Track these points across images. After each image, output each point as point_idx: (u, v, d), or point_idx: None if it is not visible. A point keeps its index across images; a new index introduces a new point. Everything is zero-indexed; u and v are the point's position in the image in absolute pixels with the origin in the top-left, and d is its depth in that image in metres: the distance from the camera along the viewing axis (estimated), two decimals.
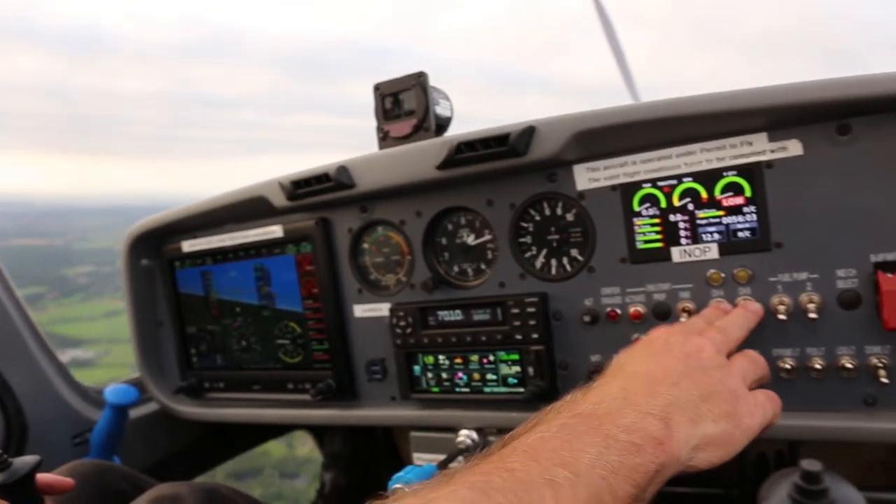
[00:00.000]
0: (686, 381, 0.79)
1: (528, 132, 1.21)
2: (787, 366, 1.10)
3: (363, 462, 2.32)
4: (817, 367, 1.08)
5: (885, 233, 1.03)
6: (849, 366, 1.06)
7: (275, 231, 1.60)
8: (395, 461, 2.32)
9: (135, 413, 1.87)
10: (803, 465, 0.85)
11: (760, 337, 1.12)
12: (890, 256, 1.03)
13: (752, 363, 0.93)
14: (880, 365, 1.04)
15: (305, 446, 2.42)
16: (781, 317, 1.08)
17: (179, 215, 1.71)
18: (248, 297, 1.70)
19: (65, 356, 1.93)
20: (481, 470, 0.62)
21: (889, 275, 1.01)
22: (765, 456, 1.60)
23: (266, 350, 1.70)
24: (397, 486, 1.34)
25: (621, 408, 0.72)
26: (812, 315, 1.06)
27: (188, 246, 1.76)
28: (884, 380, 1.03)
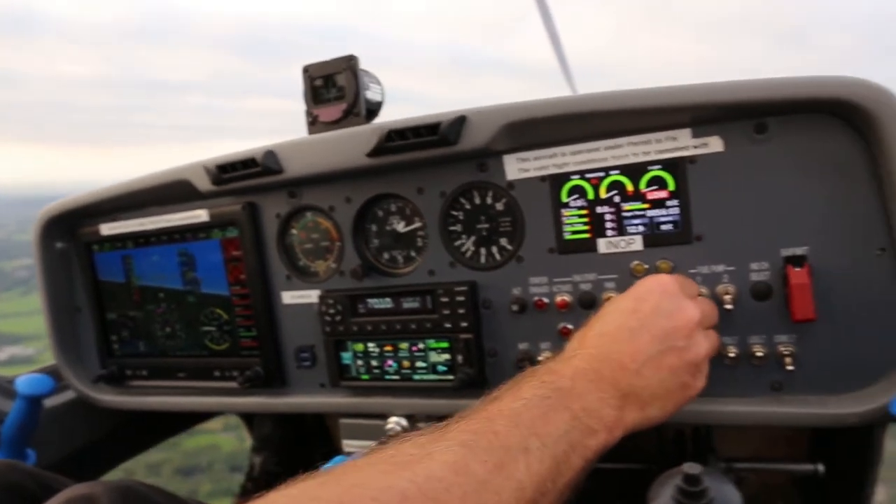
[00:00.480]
0: (649, 368, 0.86)
1: (459, 121, 1.20)
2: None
3: (293, 445, 2.30)
4: (731, 355, 1.13)
5: (795, 228, 1.08)
6: (759, 354, 1.11)
7: (200, 215, 1.54)
8: (325, 444, 2.32)
9: (50, 403, 1.79)
10: (685, 468, 0.93)
11: None
12: (798, 251, 1.08)
13: (713, 314, 1.02)
14: (786, 353, 1.10)
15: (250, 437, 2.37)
16: None
17: (97, 197, 1.63)
18: (171, 283, 1.64)
19: (2, 353, 1.82)
20: (471, 428, 0.74)
21: (797, 269, 1.06)
22: (682, 433, 1.67)
23: (191, 337, 1.65)
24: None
25: (588, 391, 0.82)
26: (728, 306, 1.10)
27: (107, 229, 1.67)
28: (789, 367, 1.09)
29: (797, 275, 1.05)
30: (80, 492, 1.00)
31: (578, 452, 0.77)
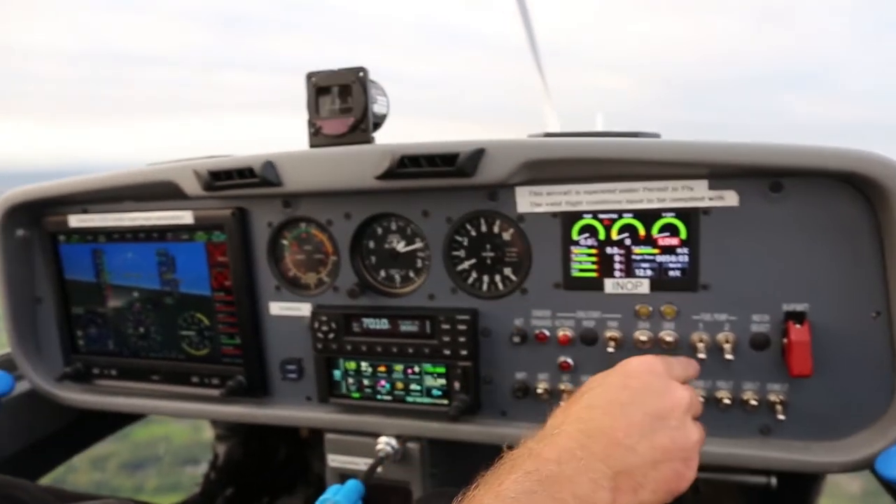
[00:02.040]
0: (644, 445, 0.79)
1: (478, 154, 1.17)
2: (700, 397, 1.18)
3: (259, 435, 2.27)
4: (725, 401, 1.17)
5: (798, 285, 1.12)
6: (753, 402, 1.16)
7: (183, 217, 1.46)
8: (292, 435, 2.30)
9: None
10: None
11: None
12: (799, 307, 1.12)
13: (699, 403, 0.94)
14: (778, 402, 1.15)
15: (213, 431, 2.31)
16: (701, 355, 1.16)
17: (68, 189, 1.51)
18: (147, 282, 1.56)
19: None
20: None
21: (798, 326, 1.11)
22: None
23: (167, 339, 1.58)
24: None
25: (578, 472, 0.73)
26: (728, 356, 1.14)
27: (76, 221, 1.57)
28: (780, 416, 1.14)
29: (798, 332, 1.10)
30: None
31: None
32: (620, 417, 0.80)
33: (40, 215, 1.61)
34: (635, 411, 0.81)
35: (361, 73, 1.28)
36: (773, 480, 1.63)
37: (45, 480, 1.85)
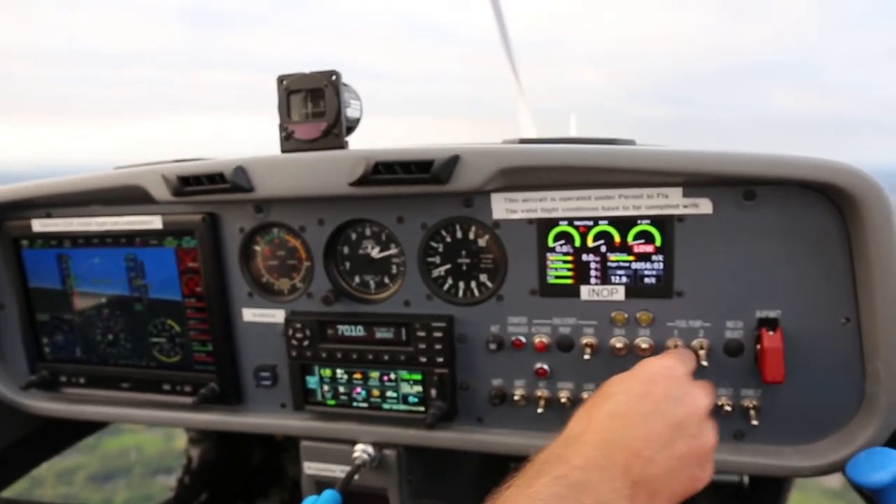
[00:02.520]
0: (662, 456, 0.83)
1: (452, 162, 1.15)
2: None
3: (233, 438, 2.24)
4: None
5: (770, 292, 1.13)
6: (727, 408, 1.17)
7: (152, 222, 1.43)
8: (266, 438, 2.27)
9: None
10: None
11: None
12: (772, 313, 1.13)
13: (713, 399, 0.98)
14: (751, 407, 1.16)
15: (185, 435, 2.27)
16: None
17: (30, 192, 1.47)
18: (115, 288, 1.52)
19: None
20: None
21: (771, 332, 1.12)
22: None
23: (137, 347, 1.54)
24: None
25: (601, 481, 0.79)
26: (703, 362, 1.14)
27: (40, 225, 1.52)
28: (754, 421, 1.16)
29: (771, 339, 1.11)
30: None
31: None
32: (641, 428, 0.85)
33: (1, 220, 1.56)
34: (656, 422, 0.86)
35: (334, 77, 1.25)
36: (746, 479, 1.66)
37: (9, 492, 1.80)
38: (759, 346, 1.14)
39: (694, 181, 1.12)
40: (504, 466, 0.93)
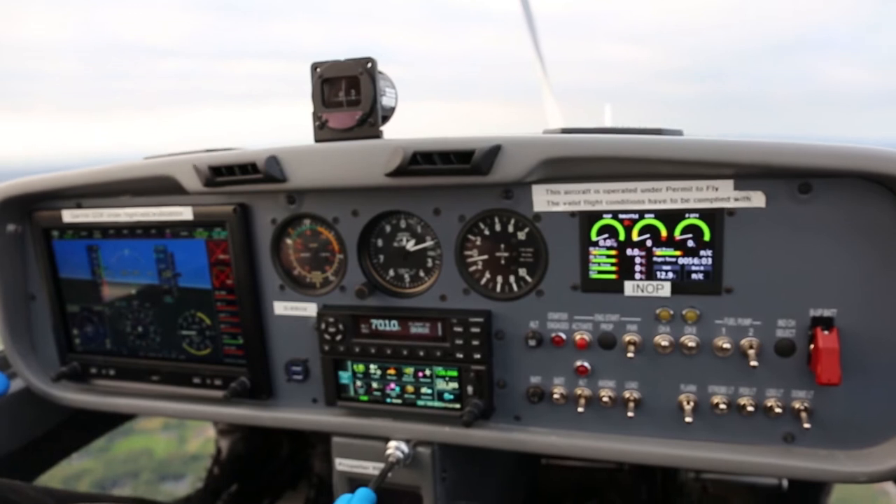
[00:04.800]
0: None
1: (494, 151, 1.11)
2: (722, 404, 1.15)
3: (262, 430, 2.23)
4: (749, 408, 1.13)
5: (826, 290, 1.08)
6: (777, 409, 1.12)
7: (182, 213, 1.41)
8: (295, 431, 2.26)
9: None
10: None
11: (700, 373, 1.16)
12: (827, 312, 1.08)
13: None
14: (803, 409, 1.11)
15: (200, 437, 2.24)
16: (721, 356, 1.12)
17: (60, 182, 1.45)
18: (146, 280, 1.50)
19: None
20: None
21: (826, 332, 1.07)
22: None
23: (167, 339, 1.53)
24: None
25: None
26: (753, 362, 1.10)
27: (70, 216, 1.51)
28: (806, 424, 1.11)
29: (827, 339, 1.06)
30: None
31: None
32: None
33: (32, 210, 1.55)
34: None
35: (370, 64, 1.21)
36: (785, 482, 1.61)
37: (42, 480, 1.81)
38: (812, 346, 1.09)
39: (746, 173, 1.07)
40: (537, 465, 0.90)
